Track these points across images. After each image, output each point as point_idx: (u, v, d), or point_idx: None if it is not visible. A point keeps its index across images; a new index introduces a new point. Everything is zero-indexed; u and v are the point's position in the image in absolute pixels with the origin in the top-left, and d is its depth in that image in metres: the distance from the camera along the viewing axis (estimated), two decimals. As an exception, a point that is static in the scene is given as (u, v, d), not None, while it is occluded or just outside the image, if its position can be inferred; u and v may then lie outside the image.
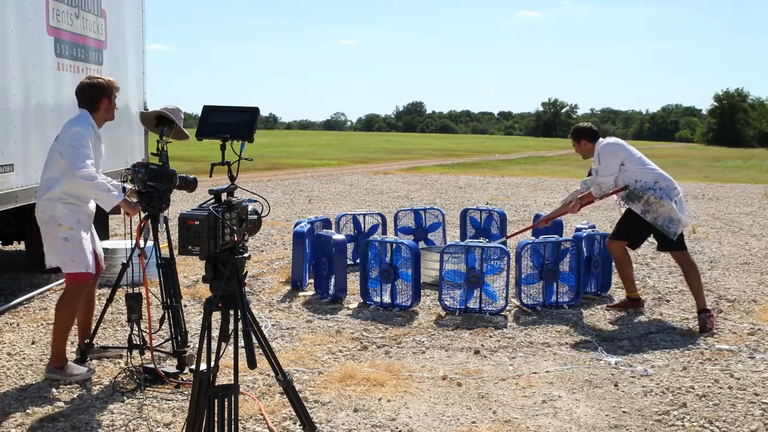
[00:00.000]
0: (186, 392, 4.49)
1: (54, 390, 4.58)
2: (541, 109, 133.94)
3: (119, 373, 4.83)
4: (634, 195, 6.23)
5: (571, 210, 6.72)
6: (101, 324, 5.24)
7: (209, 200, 3.16)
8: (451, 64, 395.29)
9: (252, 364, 3.09)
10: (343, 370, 4.97)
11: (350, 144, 55.32)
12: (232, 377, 3.20)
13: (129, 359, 4.85)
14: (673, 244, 6.21)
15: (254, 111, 3.28)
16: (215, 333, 3.12)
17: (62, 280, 4.93)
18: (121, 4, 8.29)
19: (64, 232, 4.62)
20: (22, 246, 8.16)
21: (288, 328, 6.01)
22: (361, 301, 6.77)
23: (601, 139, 6.47)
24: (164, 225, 4.84)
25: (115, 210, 5.22)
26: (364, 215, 8.73)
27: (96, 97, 4.72)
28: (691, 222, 6.31)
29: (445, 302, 6.55)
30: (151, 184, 4.67)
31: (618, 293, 7.31)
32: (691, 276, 6.26)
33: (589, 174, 6.67)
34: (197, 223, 2.92)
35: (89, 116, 4.71)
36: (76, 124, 4.64)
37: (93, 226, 4.92)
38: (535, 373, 5.06)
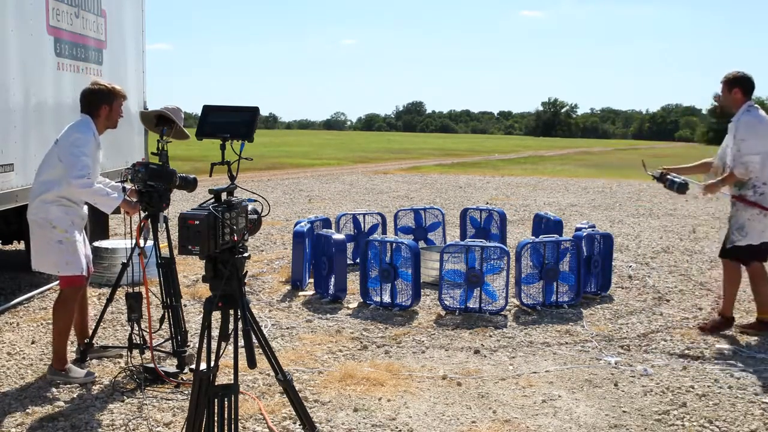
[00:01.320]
0: (186, 392, 4.49)
1: (54, 390, 4.58)
2: (541, 108, 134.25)
3: (119, 373, 4.83)
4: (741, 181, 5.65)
5: (708, 190, 5.78)
6: (101, 323, 5.24)
7: (209, 200, 3.16)
8: (451, 64, 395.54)
9: (252, 363, 3.08)
10: (343, 370, 4.97)
11: (350, 144, 55.32)
12: (232, 377, 3.20)
13: (129, 359, 4.85)
14: (726, 251, 5.82)
15: (254, 110, 3.28)
16: (215, 333, 3.12)
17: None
18: (121, 4, 8.29)
19: (59, 234, 4.60)
20: (22, 246, 8.16)
21: (288, 328, 6.01)
22: (361, 300, 6.77)
23: (753, 104, 5.69)
24: (164, 224, 4.84)
25: (116, 210, 5.21)
26: (364, 215, 8.73)
27: (95, 104, 4.69)
28: (756, 240, 5.69)
29: (445, 302, 6.55)
30: (151, 184, 4.67)
31: (618, 293, 7.31)
32: (735, 287, 5.96)
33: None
34: (197, 222, 2.92)
35: (91, 122, 4.68)
36: (77, 130, 4.61)
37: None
38: (535, 372, 5.06)
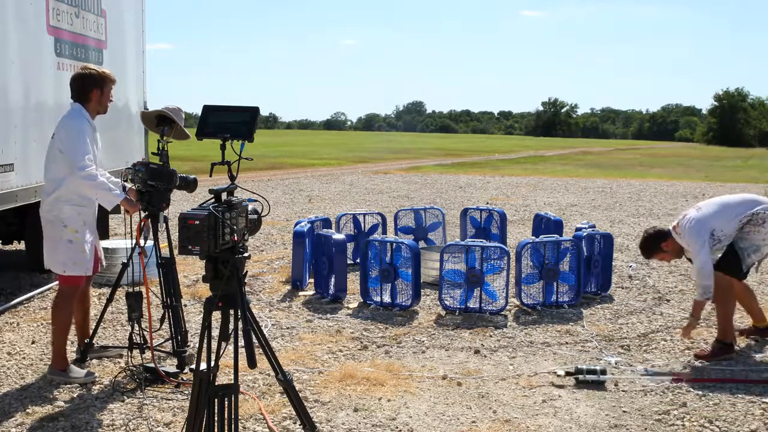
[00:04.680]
0: (186, 392, 4.49)
1: (54, 390, 4.57)
2: (541, 108, 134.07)
3: (119, 373, 4.82)
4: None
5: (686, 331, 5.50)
6: (101, 323, 5.23)
7: (209, 200, 3.16)
8: (451, 64, 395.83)
9: (252, 363, 3.09)
10: (343, 370, 4.97)
11: (350, 143, 55.31)
12: (232, 377, 3.20)
13: (129, 359, 4.85)
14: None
15: (254, 110, 3.29)
16: (215, 332, 3.12)
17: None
18: (121, 4, 8.28)
19: (70, 234, 4.60)
20: (22, 246, 8.16)
21: (288, 328, 6.01)
22: (361, 300, 6.77)
23: (668, 230, 5.57)
24: (164, 224, 4.84)
25: (116, 209, 5.19)
26: (364, 215, 8.73)
27: (86, 89, 4.66)
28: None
29: (445, 302, 6.55)
30: (152, 184, 4.66)
31: (618, 293, 7.31)
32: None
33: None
34: (197, 222, 2.92)
35: (82, 109, 4.66)
36: (70, 119, 4.60)
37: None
38: (535, 372, 5.06)
